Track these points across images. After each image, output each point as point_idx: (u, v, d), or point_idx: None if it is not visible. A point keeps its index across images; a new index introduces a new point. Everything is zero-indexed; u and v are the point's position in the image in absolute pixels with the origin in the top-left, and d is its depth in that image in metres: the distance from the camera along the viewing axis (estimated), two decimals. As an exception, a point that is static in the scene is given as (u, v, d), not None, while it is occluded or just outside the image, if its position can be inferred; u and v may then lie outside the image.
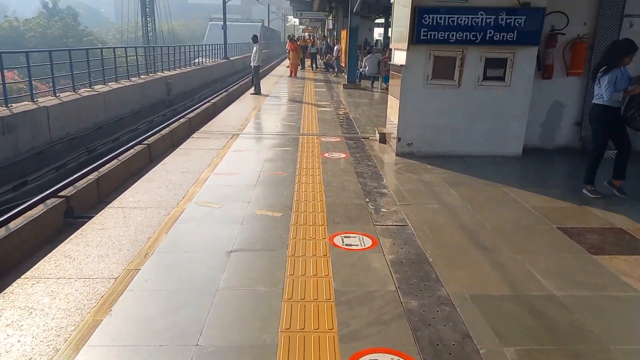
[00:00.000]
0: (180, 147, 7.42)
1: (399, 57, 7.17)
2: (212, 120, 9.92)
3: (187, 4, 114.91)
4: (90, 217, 5.14)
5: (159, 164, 6.33)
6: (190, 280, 3.29)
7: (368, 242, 3.98)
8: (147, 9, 42.20)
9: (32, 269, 3.41)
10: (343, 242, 3.95)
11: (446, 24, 6.46)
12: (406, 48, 6.67)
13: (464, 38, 6.53)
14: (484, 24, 6.47)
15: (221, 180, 5.62)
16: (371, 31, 30.02)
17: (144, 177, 5.74)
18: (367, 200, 5.04)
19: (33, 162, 10.57)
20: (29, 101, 11.50)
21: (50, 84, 12.96)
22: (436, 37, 6.52)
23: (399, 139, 7.01)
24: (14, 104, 10.94)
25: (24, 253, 6.44)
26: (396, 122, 7.09)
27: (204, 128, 9.06)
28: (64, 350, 2.56)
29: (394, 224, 4.40)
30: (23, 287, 3.16)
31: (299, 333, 2.71)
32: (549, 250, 3.94)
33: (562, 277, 3.47)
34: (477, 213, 4.73)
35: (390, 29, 9.29)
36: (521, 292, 3.26)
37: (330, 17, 30.82)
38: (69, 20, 54.65)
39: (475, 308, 3.03)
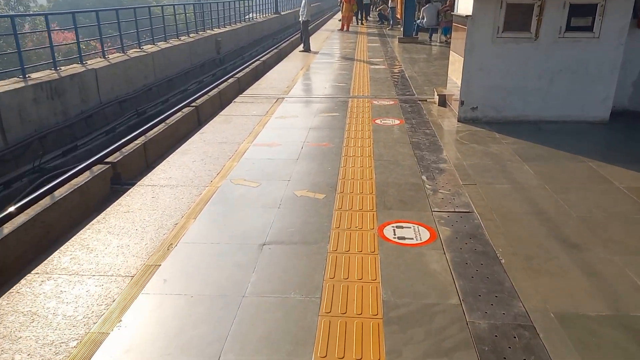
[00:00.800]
0: (221, 113, 6.95)
1: (464, 5, 6.20)
2: (257, 82, 9.36)
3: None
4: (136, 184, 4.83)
5: (197, 133, 5.90)
6: (214, 282, 2.83)
7: (425, 234, 3.35)
8: (198, -36, 41.47)
9: (45, 262, 3.07)
10: (395, 235, 3.34)
11: (524, -36, 5.42)
12: (473, -5, 5.70)
13: (544, -19, 5.48)
14: (570, -37, 5.38)
15: (261, 153, 5.11)
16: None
17: (179, 148, 5.32)
18: (425, 178, 4.36)
19: (83, 126, 10.55)
20: (78, 64, 11.40)
21: (108, 44, 12.79)
22: (510, -19, 5.50)
23: (462, 103, 6.16)
24: (62, 67, 10.86)
25: (71, 222, 6.33)
26: (459, 82, 6.22)
27: (247, 91, 8.53)
28: (63, 371, 2.18)
29: (456, 209, 3.73)
30: (31, 285, 2.83)
31: (337, 364, 2.19)
32: (656, 250, 3.15)
33: (678, 290, 2.72)
34: (559, 196, 3.94)
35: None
36: (624, 310, 2.55)
37: (386, -35, 28.81)
38: (124, -21, 54.92)
39: (564, 333, 2.37)
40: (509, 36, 5.82)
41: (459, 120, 6.21)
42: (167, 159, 4.99)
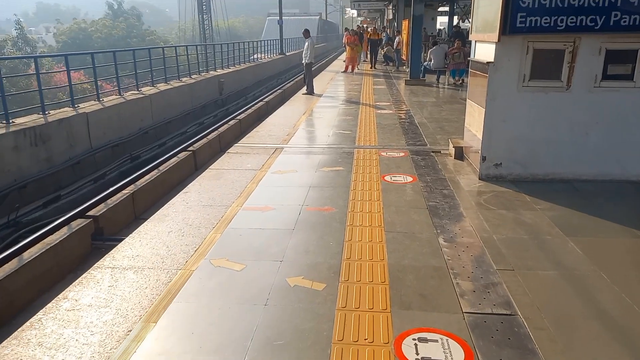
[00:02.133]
0: (211, 167, 6.21)
1: (484, 51, 5.54)
2: (255, 129, 8.68)
3: (249, 0, 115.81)
4: (121, 240, 4.07)
5: (179, 193, 5.14)
6: None
7: (458, 353, 2.50)
8: (204, 6, 42.11)
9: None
10: (418, 354, 2.49)
11: (553, 4, 4.77)
12: (495, 40, 5.03)
13: (577, 23, 4.80)
14: (607, 3, 4.72)
15: (251, 220, 4.32)
16: (434, 20, 27.84)
17: (155, 214, 4.55)
18: (448, 258, 3.54)
19: (69, 173, 9.86)
20: (69, 107, 10.84)
21: (114, 84, 12.24)
22: (538, 24, 4.83)
23: (483, 158, 5.40)
24: (51, 111, 10.29)
25: (39, 289, 5.54)
26: (479, 135, 5.49)
27: (244, 139, 7.84)
28: None
29: (494, 311, 2.89)
30: None
31: None
32: None
33: None
34: (621, 289, 3.10)
35: (470, 15, 7.61)
36: None
37: (390, 7, 28.98)
38: (133, 21, 56.07)
39: None
40: (537, 85, 5.12)
41: (480, 178, 5.43)
42: (139, 228, 4.20)
